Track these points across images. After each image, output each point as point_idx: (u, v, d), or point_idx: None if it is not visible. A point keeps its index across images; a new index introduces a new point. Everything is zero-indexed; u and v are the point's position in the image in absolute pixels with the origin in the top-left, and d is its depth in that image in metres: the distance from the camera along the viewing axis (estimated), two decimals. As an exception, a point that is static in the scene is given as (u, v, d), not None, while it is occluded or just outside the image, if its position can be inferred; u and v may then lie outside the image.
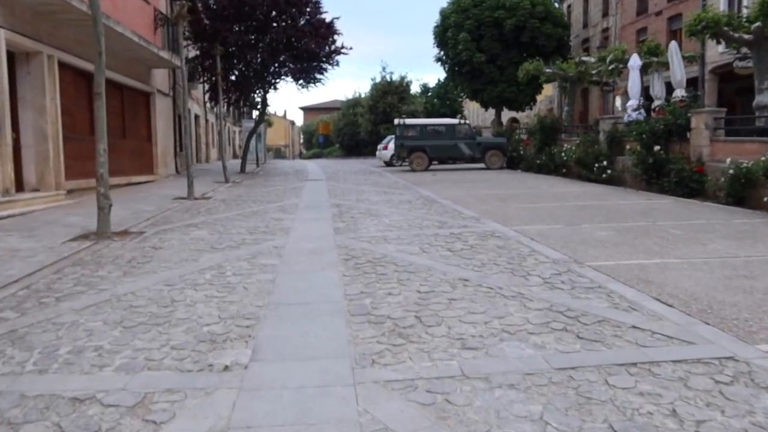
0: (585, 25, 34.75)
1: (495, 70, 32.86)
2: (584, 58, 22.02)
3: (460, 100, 50.47)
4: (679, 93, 15.00)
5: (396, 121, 24.50)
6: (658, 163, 14.00)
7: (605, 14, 31.92)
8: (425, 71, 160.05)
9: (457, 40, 32.46)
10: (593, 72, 22.92)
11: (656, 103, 18.34)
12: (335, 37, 22.68)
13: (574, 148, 18.43)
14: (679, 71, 15.58)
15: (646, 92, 19.53)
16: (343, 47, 22.77)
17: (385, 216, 10.35)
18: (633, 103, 17.61)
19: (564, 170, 19.52)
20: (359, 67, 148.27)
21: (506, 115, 39.35)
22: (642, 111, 17.89)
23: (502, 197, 13.27)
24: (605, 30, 32.01)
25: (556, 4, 34.85)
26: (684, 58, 19.16)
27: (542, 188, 15.57)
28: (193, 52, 22.91)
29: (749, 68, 19.71)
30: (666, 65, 19.12)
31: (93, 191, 8.80)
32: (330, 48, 22.55)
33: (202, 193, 14.72)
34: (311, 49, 21.76)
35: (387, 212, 10.81)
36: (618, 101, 30.42)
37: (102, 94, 8.35)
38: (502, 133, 26.26)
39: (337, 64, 23.17)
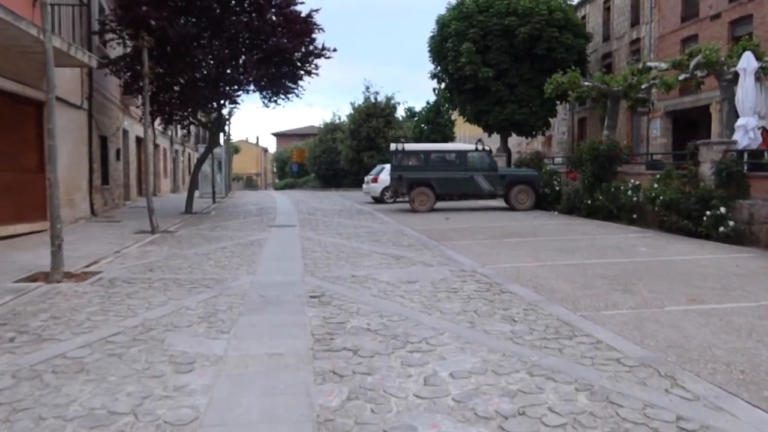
0: (606, 38, 29.80)
1: (503, 88, 27.57)
2: (650, 64, 16.85)
3: (450, 125, 45.19)
4: None
5: (392, 146, 18.83)
6: None
7: (635, 23, 26.99)
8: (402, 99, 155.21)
9: (458, 51, 27.14)
10: (650, 84, 17.62)
11: (760, 122, 13.00)
12: (314, 35, 17.04)
13: (656, 186, 12.89)
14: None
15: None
16: (324, 48, 17.13)
17: (437, 353, 4.53)
18: (749, 121, 12.19)
19: (634, 216, 13.96)
20: (329, 96, 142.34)
21: (513, 141, 34.07)
22: (757, 133, 12.51)
23: (615, 278, 7.55)
24: (635, 42, 27.04)
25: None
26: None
27: (656, 253, 9.94)
28: (124, 50, 17.07)
29: None
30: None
31: None
32: (307, 48, 16.88)
33: (89, 263, 8.71)
34: (283, 48, 16.06)
35: (432, 328, 5.03)
36: (656, 126, 25.30)
37: None
38: (526, 163, 20.75)
39: (316, 71, 17.45)
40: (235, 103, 18.83)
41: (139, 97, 16.36)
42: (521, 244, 10.82)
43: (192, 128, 36.10)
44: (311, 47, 16.88)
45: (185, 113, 18.37)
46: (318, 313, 5.76)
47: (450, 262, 8.76)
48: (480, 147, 18.50)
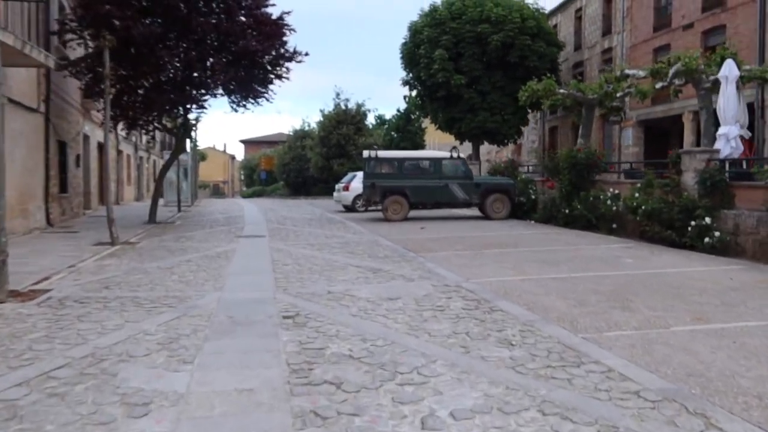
0: (578, 47, 29.84)
1: (476, 96, 27.35)
2: (628, 71, 16.71)
3: (420, 133, 44.90)
4: None
5: (365, 153, 18.29)
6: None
7: (607, 32, 27.04)
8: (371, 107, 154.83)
9: (431, 58, 26.82)
10: (624, 93, 17.49)
11: (738, 131, 12.88)
12: (285, 38, 16.42)
13: (638, 195, 12.61)
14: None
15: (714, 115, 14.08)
16: (296, 52, 16.51)
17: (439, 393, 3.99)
18: (731, 130, 12.02)
19: (614, 225, 13.68)
20: (297, 103, 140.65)
21: (483, 150, 33.90)
22: (739, 142, 12.36)
23: (609, 294, 7.12)
24: (607, 51, 27.09)
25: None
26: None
27: (643, 265, 9.60)
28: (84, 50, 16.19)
29: None
30: (762, 79, 13.81)
31: None
32: (278, 51, 16.24)
33: (39, 279, 7.94)
34: (253, 50, 15.40)
35: (422, 354, 4.48)
36: (628, 135, 25.33)
37: None
38: (500, 171, 20.43)
39: (287, 75, 16.82)
40: (203, 107, 18.07)
41: (101, 100, 15.48)
42: (503, 255, 10.38)
43: (157, 134, 34.96)
44: (282, 50, 16.25)
45: (149, 118, 17.51)
46: (293, 337, 5.17)
47: (431, 276, 8.24)
48: (455, 155, 18.10)
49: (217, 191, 75.75)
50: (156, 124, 18.15)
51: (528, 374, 4.19)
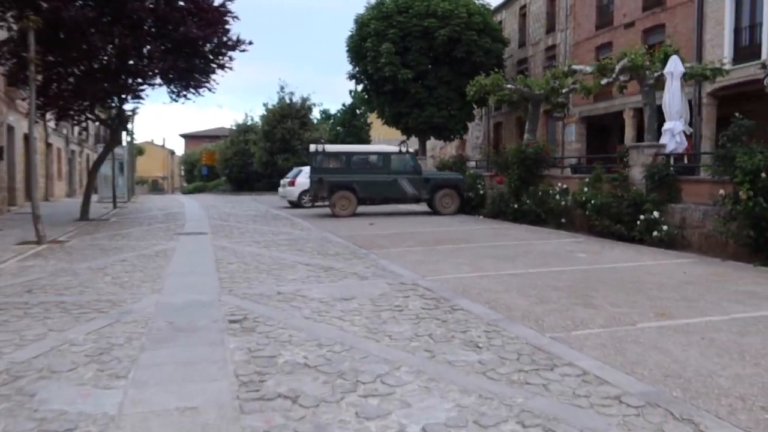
0: (522, 44, 30.14)
1: (422, 90, 27.22)
2: (575, 67, 16.81)
3: (366, 128, 44.53)
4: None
5: (312, 147, 17.75)
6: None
7: (551, 30, 27.39)
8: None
9: (378, 52, 26.48)
10: (570, 89, 17.64)
11: (682, 126, 13.11)
12: (228, 26, 15.69)
13: (586, 189, 12.64)
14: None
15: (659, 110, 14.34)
16: (239, 41, 15.80)
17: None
18: (676, 125, 12.17)
19: (563, 220, 13.72)
20: (238, 97, 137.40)
21: (428, 145, 33.84)
22: (683, 137, 12.56)
23: (569, 290, 6.95)
24: (551, 48, 27.44)
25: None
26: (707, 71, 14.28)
27: (597, 259, 9.53)
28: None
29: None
30: (702, 76, 14.11)
31: None
32: (221, 39, 15.49)
33: (-50, 281, 7.13)
34: (193, 37, 14.61)
35: (385, 360, 4.12)
36: (571, 131, 25.75)
37: None
38: (449, 167, 20.28)
39: (230, 64, 16.09)
40: (139, 97, 17.08)
41: (27, 88, 14.33)
42: (456, 251, 10.13)
43: (91, 126, 33.26)
44: (225, 38, 15.51)
45: (81, 108, 16.41)
46: (241, 344, 4.70)
47: (386, 274, 7.89)
48: (404, 149, 17.82)
49: (156, 187, 73.16)
50: (88, 115, 17.07)
51: (500, 380, 3.88)
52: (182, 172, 73.80)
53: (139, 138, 72.60)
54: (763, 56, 16.78)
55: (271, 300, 6.32)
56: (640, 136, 21.80)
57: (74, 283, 7.22)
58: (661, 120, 14.78)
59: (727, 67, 15.46)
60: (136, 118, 34.35)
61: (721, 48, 18.12)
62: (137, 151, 44.41)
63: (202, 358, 4.37)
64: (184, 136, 79.58)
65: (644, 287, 6.91)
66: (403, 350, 4.54)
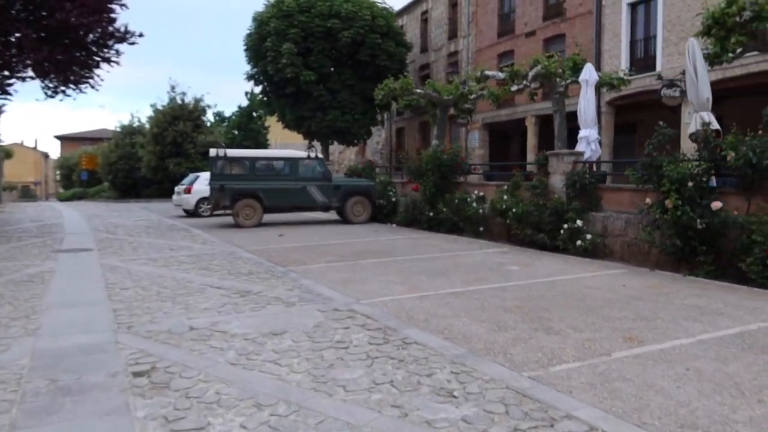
0: (424, 49, 30.08)
1: (326, 93, 26.36)
2: (488, 72, 16.58)
3: (263, 131, 42.89)
4: (706, 117, 9.66)
5: (212, 151, 16.31)
6: (712, 229, 8.41)
7: (453, 36, 27.48)
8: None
9: (278, 52, 25.29)
10: (478, 95, 17.53)
11: (597, 134, 13.24)
12: (114, 14, 13.98)
13: (506, 197, 12.34)
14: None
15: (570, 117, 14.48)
16: (128, 32, 14.14)
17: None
18: (591, 133, 12.17)
19: (481, 228, 13.38)
20: (121, 98, 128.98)
21: (331, 150, 33.01)
22: (598, 145, 12.61)
23: (520, 312, 6.38)
24: (453, 54, 27.53)
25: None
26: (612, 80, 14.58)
27: (531, 273, 9.10)
28: None
29: (676, 98, 15.88)
30: (610, 85, 14.31)
31: None
32: (106, 29, 13.76)
33: None
34: (72, 25, 12.82)
35: (348, 426, 3.28)
36: (474, 137, 25.92)
37: None
38: (358, 173, 19.52)
39: (117, 58, 14.37)
40: (6, 93, 14.84)
41: None
42: (382, 266, 9.36)
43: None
44: (111, 28, 13.80)
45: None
46: (154, 409, 3.63)
47: (314, 297, 6.95)
48: (312, 154, 16.85)
49: (27, 194, 66.70)
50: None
51: (499, 447, 3.13)
52: (58, 177, 67.76)
53: (7, 139, 65.98)
54: (658, 68, 17.56)
55: (184, 339, 5.21)
56: (543, 144, 22.28)
57: None
58: (570, 127, 14.96)
59: (628, 77, 15.93)
60: (3, 116, 30.75)
61: (618, 59, 18.80)
62: (5, 153, 39.98)
63: (102, 438, 3.26)
64: (60, 137, 73.19)
65: (593, 305, 6.49)
66: (365, 407, 3.68)
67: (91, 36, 13.59)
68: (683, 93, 16.16)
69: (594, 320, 5.82)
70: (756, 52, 11.97)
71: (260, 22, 26.46)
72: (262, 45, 26.01)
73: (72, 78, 14.16)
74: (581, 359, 4.62)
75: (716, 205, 8.40)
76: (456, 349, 4.88)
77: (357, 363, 4.53)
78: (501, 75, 15.31)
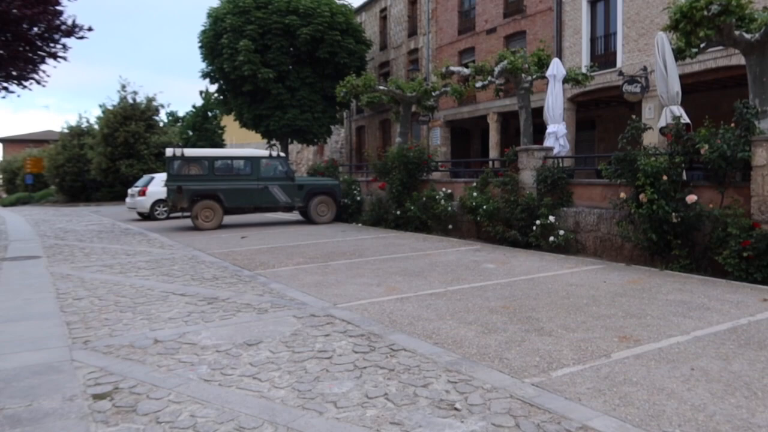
0: (384, 47, 29.78)
1: (284, 92, 25.74)
2: (453, 68, 16.30)
3: (219, 131, 41.82)
4: (677, 110, 9.62)
5: (168, 151, 15.60)
6: (687, 223, 8.36)
7: (413, 34, 27.25)
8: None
9: (235, 49, 24.56)
10: (441, 92, 17.33)
11: (565, 130, 13.18)
12: (60, 6, 13.16)
13: (476, 195, 12.13)
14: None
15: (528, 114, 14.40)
16: (75, 25, 13.34)
17: None
18: (559, 129, 12.07)
19: (450, 226, 13.16)
20: (65, 99, 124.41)
21: (290, 149, 32.37)
22: (566, 140, 12.53)
23: (507, 313, 6.12)
24: (413, 51, 27.31)
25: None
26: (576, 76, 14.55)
27: (508, 270, 8.86)
28: None
29: (637, 94, 16.02)
30: (575, 81, 14.27)
31: None
32: (52, 22, 12.94)
33: None
34: (16, 18, 11.98)
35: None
36: (437, 135, 25.77)
37: None
38: (320, 172, 19.04)
39: (63, 53, 13.54)
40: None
41: None
42: (355, 266, 9.00)
43: None
44: (57, 21, 12.98)
45: None
46: (119, 438, 3.17)
47: (287, 303, 6.53)
48: (274, 153, 16.32)
49: (-34, 199, 63.39)
50: None
51: (517, 468, 2.81)
52: (0, 182, 64.70)
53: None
54: (618, 64, 17.69)
55: (149, 353, 4.74)
56: (504, 141, 22.27)
57: None
58: (534, 123, 14.89)
59: (591, 73, 15.97)
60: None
61: (579, 56, 18.88)
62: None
63: (60, 476, 2.80)
64: (1, 140, 69.95)
65: (579, 303, 6.29)
66: (361, 425, 3.32)
67: (35, 29, 12.76)
68: (644, 89, 16.37)
69: (584, 319, 5.60)
70: (716, 48, 12.10)
71: (215, 18, 25.63)
72: (217, 42, 25.22)
73: (15, 74, 13.28)
74: (581, 362, 4.37)
75: (691, 198, 8.35)
76: (448, 355, 4.56)
77: (344, 375, 4.15)
78: (467, 71, 15.11)
